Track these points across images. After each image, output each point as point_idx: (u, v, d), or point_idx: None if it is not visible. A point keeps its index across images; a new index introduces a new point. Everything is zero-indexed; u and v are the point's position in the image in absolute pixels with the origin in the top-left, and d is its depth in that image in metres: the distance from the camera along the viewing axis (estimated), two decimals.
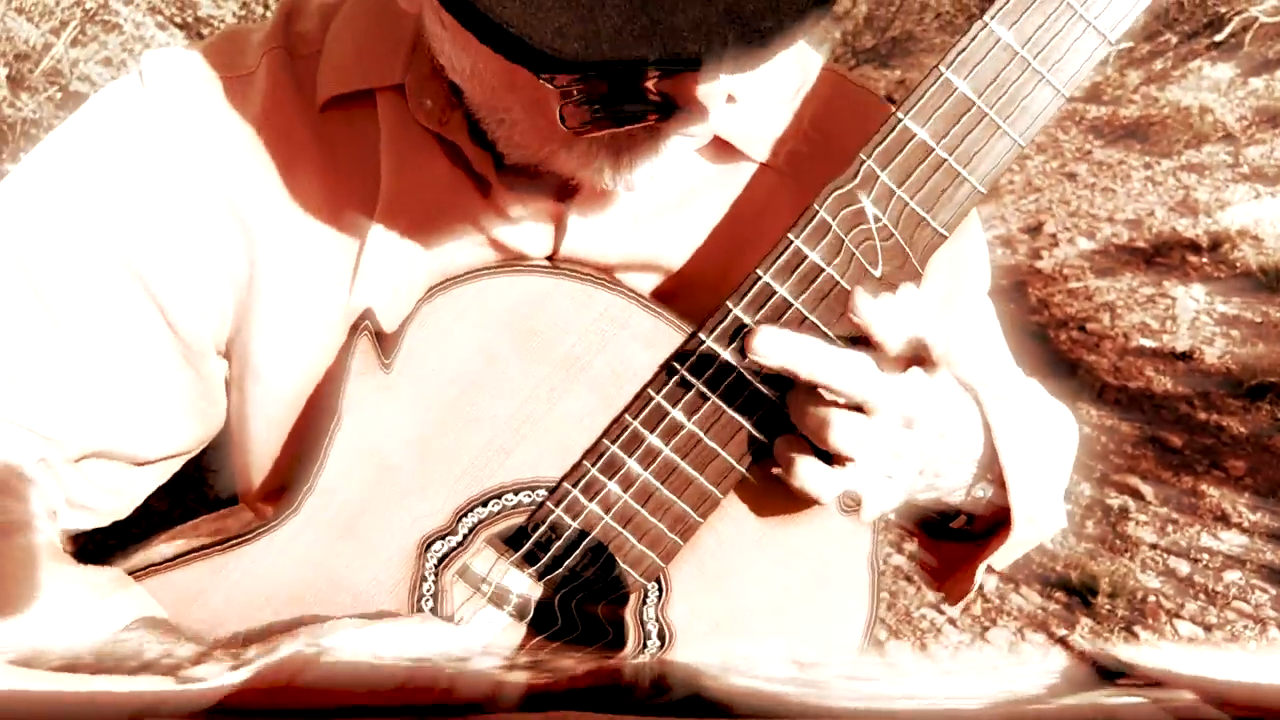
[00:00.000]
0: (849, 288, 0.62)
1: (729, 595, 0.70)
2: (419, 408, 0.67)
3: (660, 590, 0.69)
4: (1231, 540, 2.39)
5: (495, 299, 0.66)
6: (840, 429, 0.60)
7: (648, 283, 0.75)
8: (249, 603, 0.69)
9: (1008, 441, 0.68)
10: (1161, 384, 3.04)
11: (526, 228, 0.72)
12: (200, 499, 0.82)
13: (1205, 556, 2.34)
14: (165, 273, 0.69)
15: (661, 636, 0.69)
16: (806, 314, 0.63)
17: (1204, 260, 3.78)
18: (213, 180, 0.69)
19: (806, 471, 0.62)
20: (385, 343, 0.66)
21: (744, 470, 0.66)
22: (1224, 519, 2.46)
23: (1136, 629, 2.14)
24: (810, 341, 0.60)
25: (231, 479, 0.80)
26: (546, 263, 0.72)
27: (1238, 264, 3.71)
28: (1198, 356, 3.16)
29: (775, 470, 0.64)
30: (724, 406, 0.65)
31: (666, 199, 0.74)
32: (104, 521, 0.75)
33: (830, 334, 0.63)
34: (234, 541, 0.68)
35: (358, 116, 0.70)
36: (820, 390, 0.60)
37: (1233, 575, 2.29)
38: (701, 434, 0.65)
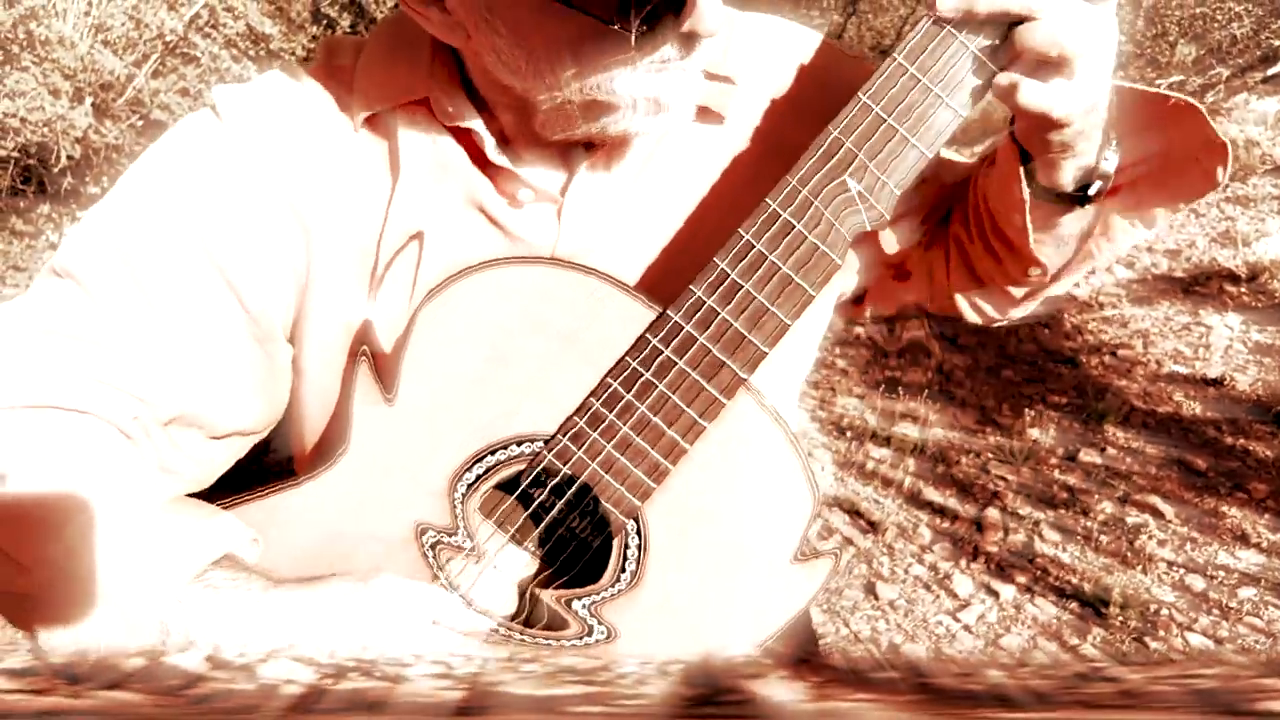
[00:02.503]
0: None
1: (692, 524, 0.82)
2: (435, 380, 0.81)
3: (638, 526, 0.82)
4: (1249, 559, 2.44)
5: (502, 286, 0.80)
6: (1071, 35, 0.69)
7: (640, 255, 0.89)
8: (298, 540, 0.82)
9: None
10: (1190, 409, 3.09)
11: (533, 218, 0.86)
12: (259, 465, 0.97)
13: (1221, 574, 2.39)
14: (241, 265, 0.83)
15: (634, 577, 0.82)
16: (785, 268, 0.76)
17: (1242, 290, 3.81)
18: (278, 190, 0.84)
19: (1030, 90, 0.71)
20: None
21: (706, 424, 0.78)
22: (1243, 539, 2.51)
23: (1147, 639, 2.20)
24: None
25: (286, 448, 0.95)
26: (543, 256, 0.86)
27: (1276, 294, 3.74)
28: (1229, 383, 3.20)
29: (999, 95, 0.73)
30: (688, 370, 0.78)
31: (657, 177, 0.88)
32: (189, 488, 0.88)
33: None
34: (287, 485, 0.82)
35: (388, 132, 0.85)
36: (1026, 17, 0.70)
37: (1248, 592, 2.34)
38: (671, 394, 0.78)
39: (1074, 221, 0.84)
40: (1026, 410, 3.05)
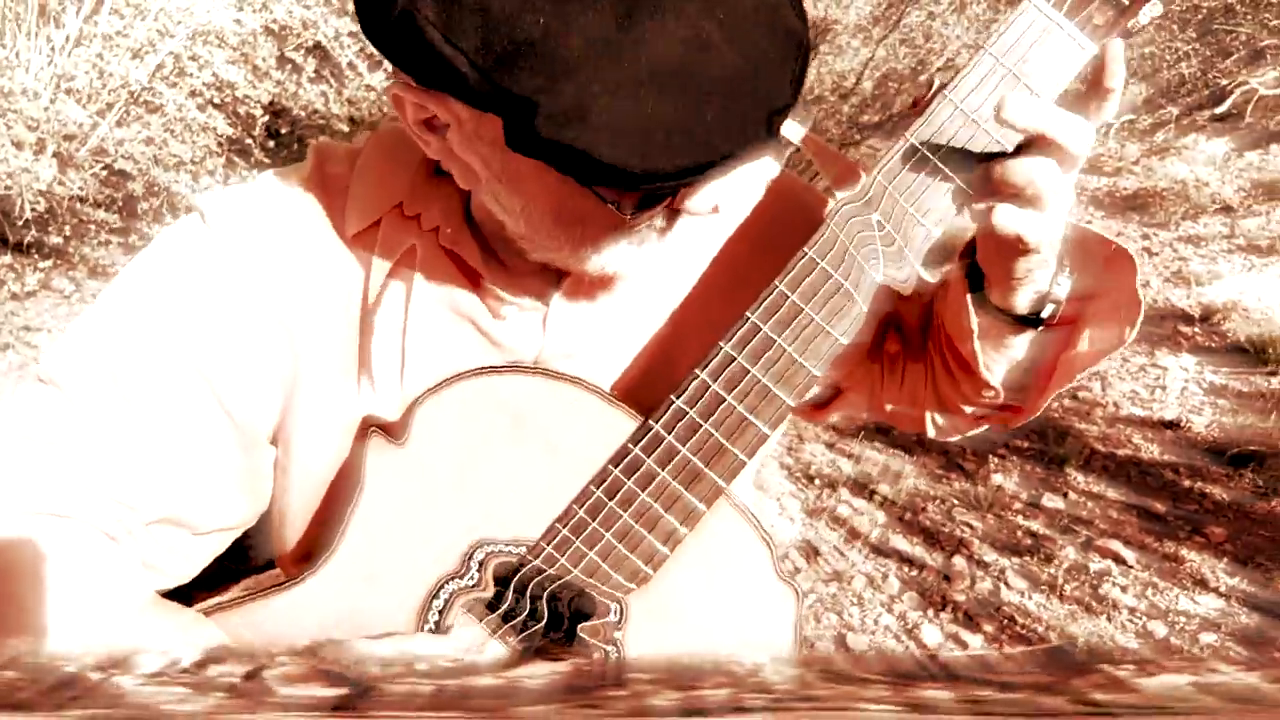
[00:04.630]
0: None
1: (674, 620, 0.84)
2: (425, 482, 0.82)
3: (619, 616, 0.84)
4: (1209, 604, 2.50)
5: (489, 393, 0.82)
6: (1044, 174, 0.72)
7: (623, 360, 0.91)
8: (279, 644, 0.83)
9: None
10: (1149, 452, 3.16)
11: (517, 326, 0.88)
12: (240, 562, 0.98)
13: (1183, 619, 2.44)
14: (227, 375, 0.84)
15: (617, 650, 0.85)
16: (785, 346, 0.79)
17: (1195, 330, 3.91)
18: (265, 299, 0.85)
19: (1008, 215, 0.74)
20: (393, 430, 0.83)
21: (687, 531, 0.81)
22: (1203, 583, 2.57)
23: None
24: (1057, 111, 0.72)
25: (269, 546, 0.96)
26: (527, 365, 0.88)
27: (1228, 335, 3.83)
28: (1185, 425, 3.27)
29: (977, 215, 0.76)
30: (670, 480, 0.80)
31: (641, 282, 0.90)
32: (171, 583, 0.88)
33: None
34: (266, 592, 0.83)
35: (376, 238, 0.87)
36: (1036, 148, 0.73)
37: (1209, 638, 2.39)
38: (653, 502, 0.80)
39: (1025, 344, 0.87)
40: (990, 456, 3.10)
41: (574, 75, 0.63)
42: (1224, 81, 5.88)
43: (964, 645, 2.37)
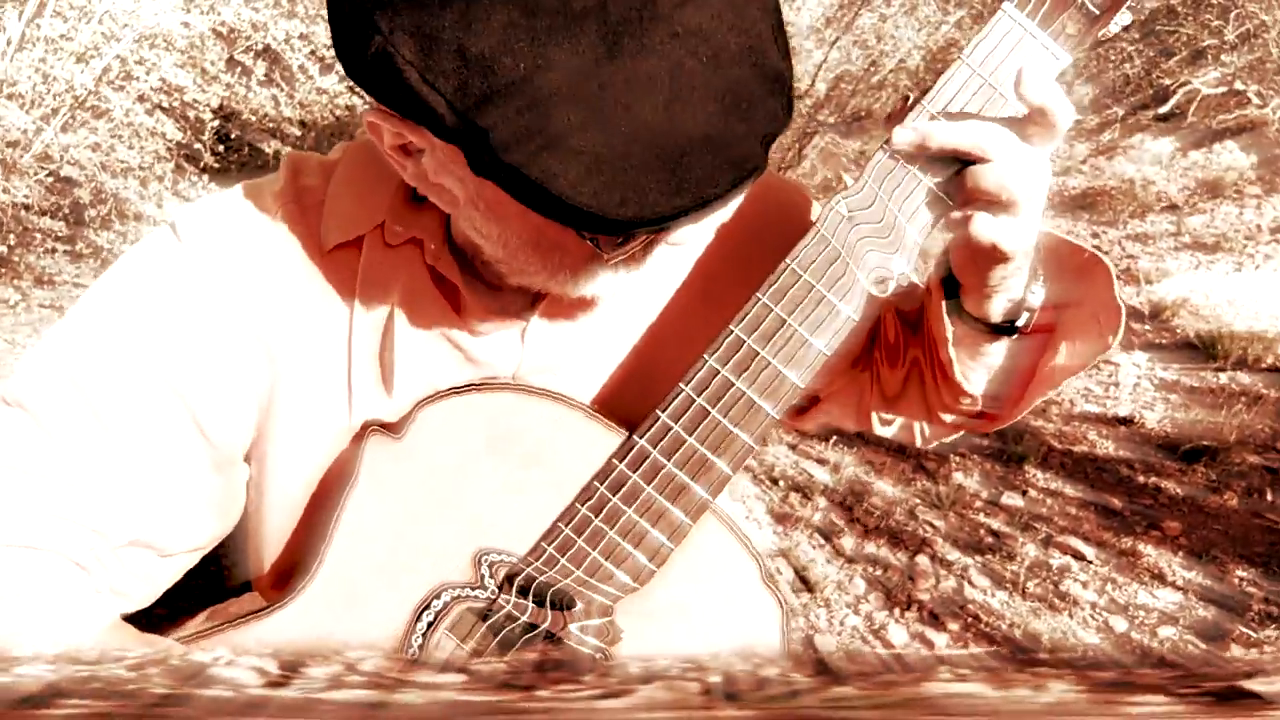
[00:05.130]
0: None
1: (662, 638, 0.84)
2: (413, 490, 0.81)
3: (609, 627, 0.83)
4: (1167, 598, 2.54)
5: (474, 410, 0.80)
6: (1016, 180, 0.73)
7: (602, 373, 0.90)
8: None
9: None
10: (1104, 448, 3.21)
11: (496, 341, 0.87)
12: (213, 585, 0.96)
13: (1142, 614, 2.48)
14: (202, 392, 0.82)
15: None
16: (769, 358, 0.78)
17: (1146, 327, 3.98)
18: (242, 315, 0.83)
19: (984, 224, 0.74)
20: (392, 429, 0.82)
21: (674, 547, 0.80)
22: (1160, 578, 2.61)
23: None
24: (963, 124, 0.74)
25: (244, 568, 0.93)
26: (508, 381, 0.86)
27: (1178, 331, 3.91)
28: (1138, 421, 3.33)
29: (955, 223, 0.77)
30: (655, 495, 0.79)
31: (619, 296, 0.89)
32: (134, 606, 0.86)
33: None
34: (250, 617, 0.81)
35: (357, 256, 0.85)
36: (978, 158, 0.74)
37: (1168, 631, 2.43)
38: (639, 518, 0.79)
39: (1001, 352, 0.87)
40: (952, 454, 3.14)
41: (552, 119, 0.62)
42: (1167, 81, 5.99)
43: (930, 644, 2.39)
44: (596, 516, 0.80)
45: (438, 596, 0.82)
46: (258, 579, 0.92)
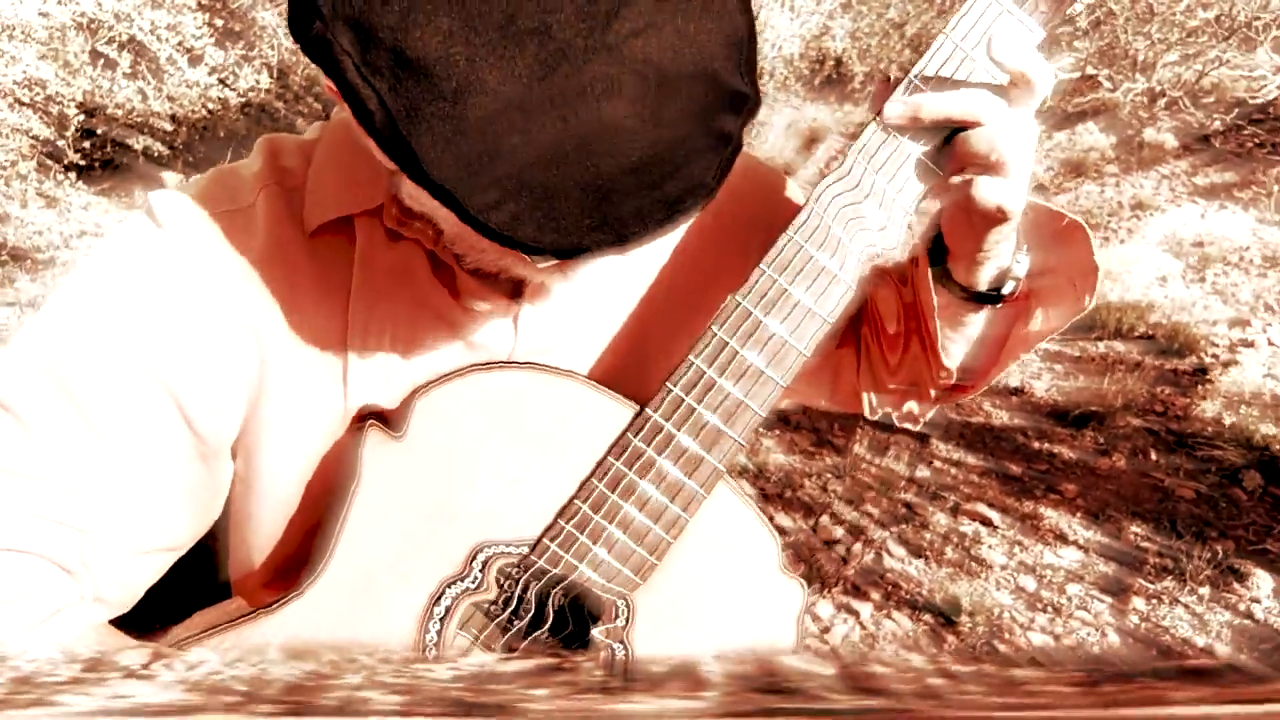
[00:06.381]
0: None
1: (681, 619, 0.84)
2: (421, 482, 0.78)
3: (626, 612, 0.82)
4: (1070, 556, 2.66)
5: (480, 391, 0.78)
6: (1003, 141, 0.75)
7: (597, 352, 0.89)
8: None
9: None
10: (999, 418, 3.34)
11: (490, 325, 0.85)
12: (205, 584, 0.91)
13: (1049, 573, 2.60)
14: (188, 382, 0.78)
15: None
16: (773, 328, 0.79)
17: None
18: (227, 300, 0.79)
19: (986, 186, 0.76)
20: (391, 424, 0.78)
21: (689, 519, 0.80)
22: (1063, 538, 2.74)
23: (996, 643, 2.36)
24: (952, 93, 0.76)
25: (224, 569, 0.89)
26: (520, 360, 0.85)
27: None
28: (1028, 391, 3.48)
29: (953, 189, 0.78)
30: (669, 467, 0.79)
31: (612, 273, 0.88)
32: (112, 613, 0.81)
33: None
34: (260, 612, 0.78)
35: (344, 238, 0.82)
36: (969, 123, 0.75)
37: (1074, 589, 2.55)
38: (654, 491, 0.79)
39: (981, 322, 0.90)
40: (858, 429, 3.22)
41: (479, 138, 0.60)
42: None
43: (855, 614, 2.45)
44: (613, 492, 0.79)
45: (448, 589, 0.80)
46: (245, 578, 0.88)
